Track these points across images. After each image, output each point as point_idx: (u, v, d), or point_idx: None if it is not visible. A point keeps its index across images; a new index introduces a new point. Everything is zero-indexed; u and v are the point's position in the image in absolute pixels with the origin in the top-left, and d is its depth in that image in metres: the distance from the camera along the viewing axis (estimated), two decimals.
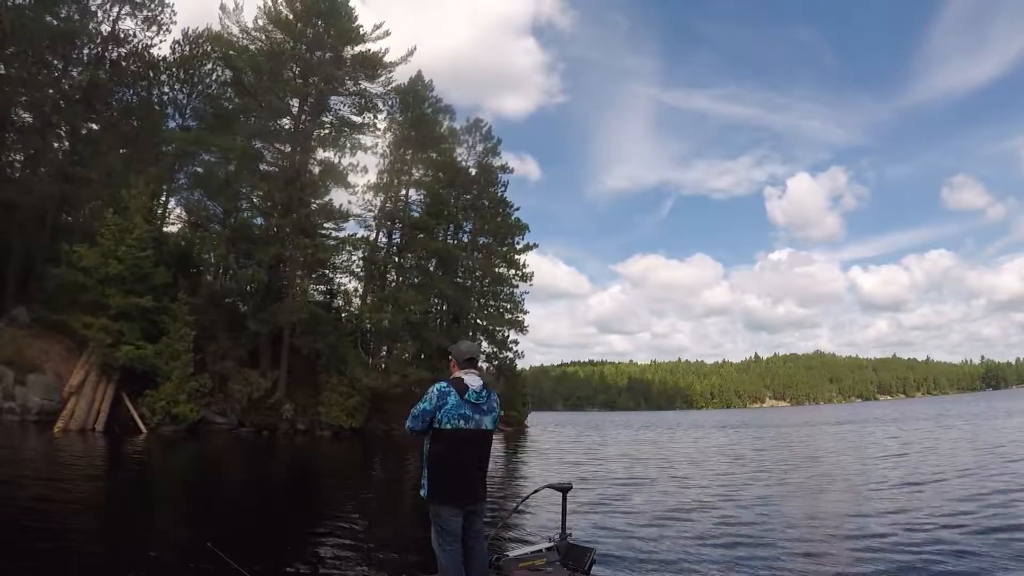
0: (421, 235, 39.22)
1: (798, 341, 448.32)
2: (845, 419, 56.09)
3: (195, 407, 28.25)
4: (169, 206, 34.39)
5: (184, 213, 34.34)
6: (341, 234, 36.94)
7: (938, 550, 7.94)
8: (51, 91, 29.71)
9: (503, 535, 7.78)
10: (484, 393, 4.60)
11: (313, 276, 36.80)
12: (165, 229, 33.44)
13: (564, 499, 5.59)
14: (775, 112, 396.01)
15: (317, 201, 34.87)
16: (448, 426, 4.46)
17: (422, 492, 4.55)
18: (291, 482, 17.59)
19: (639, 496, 13.32)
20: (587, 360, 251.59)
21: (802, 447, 27.70)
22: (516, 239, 45.71)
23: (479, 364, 4.90)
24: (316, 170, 34.87)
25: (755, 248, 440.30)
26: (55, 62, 30.15)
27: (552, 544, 5.41)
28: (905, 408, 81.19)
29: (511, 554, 5.33)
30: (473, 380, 4.62)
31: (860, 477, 15.65)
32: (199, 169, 33.19)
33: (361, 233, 38.55)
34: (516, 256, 45.39)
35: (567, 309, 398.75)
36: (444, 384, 4.58)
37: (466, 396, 4.52)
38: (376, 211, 38.86)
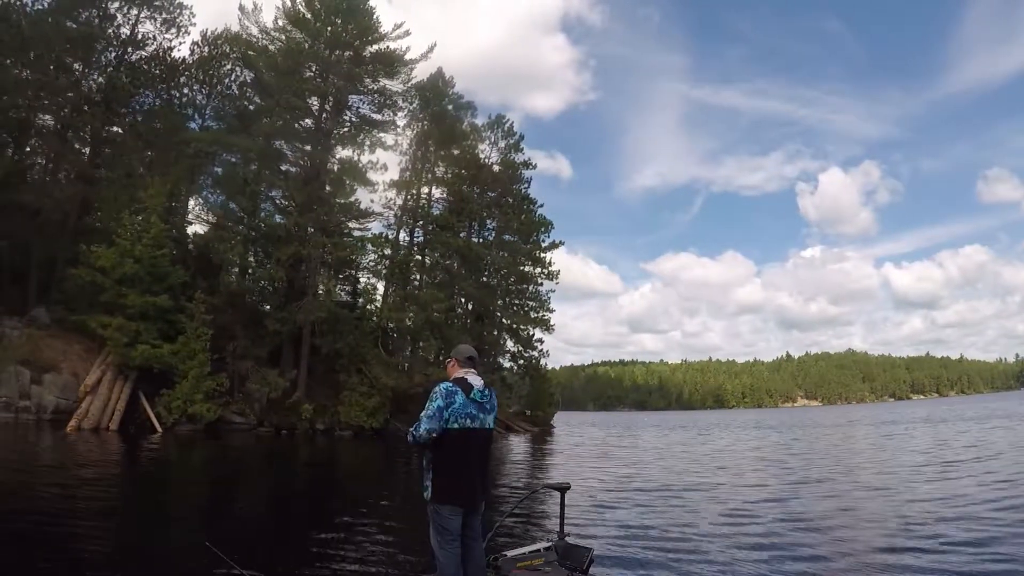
0: (443, 232, 37.65)
1: (831, 339, 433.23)
2: (883, 419, 52.86)
3: (212, 406, 27.00)
4: (190, 206, 33.30)
5: (205, 213, 33.31)
6: (366, 233, 35.76)
7: None
8: (71, 95, 28.89)
9: (502, 535, 7.28)
10: (486, 392, 4.54)
11: (340, 276, 35.57)
12: (188, 229, 32.46)
13: (562, 499, 5.47)
14: (805, 107, 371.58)
15: (337, 200, 33.54)
16: (456, 425, 4.35)
17: (425, 495, 4.40)
18: (303, 482, 16.42)
19: (643, 497, 12.47)
20: (618, 360, 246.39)
21: (835, 448, 25.47)
22: (541, 236, 43.97)
23: (478, 364, 4.75)
24: (336, 168, 33.52)
25: (787, 245, 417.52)
26: (75, 66, 29.32)
27: (550, 544, 5.30)
28: (944, 408, 76.86)
29: (509, 554, 5.17)
30: (476, 380, 4.54)
31: (895, 487, 13.33)
32: (218, 169, 32.04)
33: (383, 232, 37.18)
34: (541, 254, 43.63)
35: (598, 308, 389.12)
36: (449, 384, 4.46)
37: (472, 395, 4.44)
38: (397, 209, 37.41)
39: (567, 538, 5.35)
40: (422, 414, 4.37)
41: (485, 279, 41.89)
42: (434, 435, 4.32)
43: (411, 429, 4.44)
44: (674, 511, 10.73)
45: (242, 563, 4.88)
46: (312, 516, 10.31)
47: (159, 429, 25.58)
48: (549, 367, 46.32)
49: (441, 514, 4.33)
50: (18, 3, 28.36)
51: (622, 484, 14.67)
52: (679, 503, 11.62)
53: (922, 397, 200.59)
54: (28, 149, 30.02)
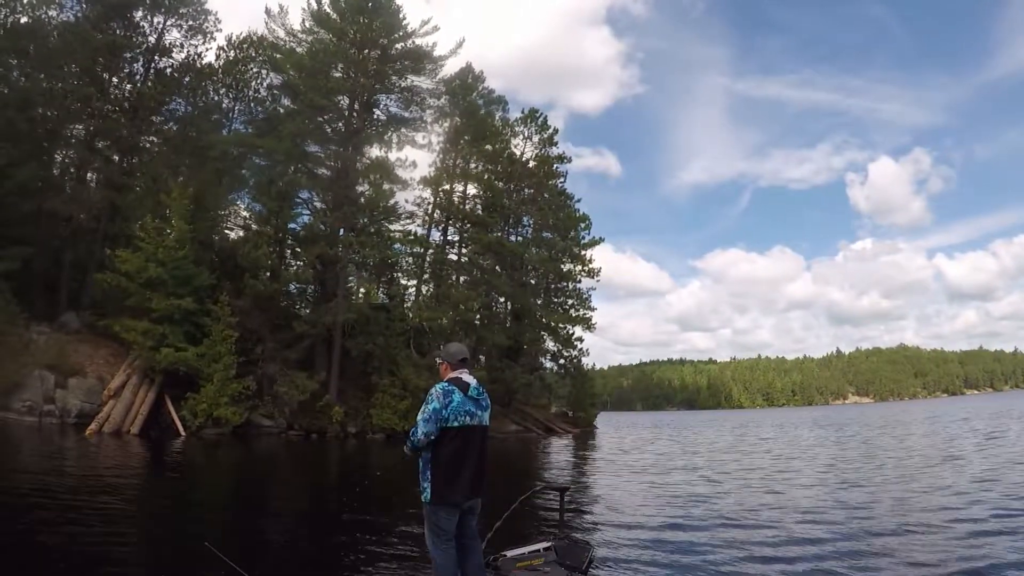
0: (476, 230, 35.02)
1: (883, 334, 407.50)
2: (959, 416, 47.43)
3: (238, 410, 24.91)
4: (220, 209, 31.46)
5: (233, 216, 31.55)
6: (404, 233, 33.52)
7: None
8: (99, 104, 27.56)
9: (501, 535, 6.29)
10: (481, 389, 4.43)
11: (383, 279, 33.43)
12: (217, 232, 30.65)
13: (562, 499, 5.56)
14: (852, 96, 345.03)
15: (375, 199, 31.32)
16: (456, 424, 4.22)
17: (424, 496, 4.22)
18: (323, 486, 14.95)
19: (646, 497, 11.75)
20: (667, 359, 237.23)
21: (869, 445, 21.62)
22: (581, 233, 40.93)
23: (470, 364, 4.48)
24: (364, 168, 31.32)
25: (837, 238, 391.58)
26: (104, 75, 27.99)
27: (550, 544, 5.14)
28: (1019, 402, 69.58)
29: (509, 554, 5.00)
30: (470, 378, 4.41)
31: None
32: (245, 172, 30.21)
33: (415, 230, 34.80)
34: (581, 251, 40.57)
35: (647, 307, 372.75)
36: (445, 384, 4.35)
37: (469, 393, 4.31)
38: (429, 207, 34.96)
39: (567, 538, 5.22)
40: (418, 418, 4.22)
41: (524, 277, 39.11)
42: (432, 438, 4.16)
43: (408, 436, 4.28)
44: (685, 514, 9.76)
45: (244, 564, 4.69)
46: (325, 520, 9.67)
47: (183, 433, 23.66)
48: (596, 367, 43.35)
49: (438, 514, 4.19)
50: (45, 17, 27.23)
51: (635, 485, 13.63)
52: (693, 506, 10.47)
53: (976, 392, 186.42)
54: (59, 158, 28.81)
